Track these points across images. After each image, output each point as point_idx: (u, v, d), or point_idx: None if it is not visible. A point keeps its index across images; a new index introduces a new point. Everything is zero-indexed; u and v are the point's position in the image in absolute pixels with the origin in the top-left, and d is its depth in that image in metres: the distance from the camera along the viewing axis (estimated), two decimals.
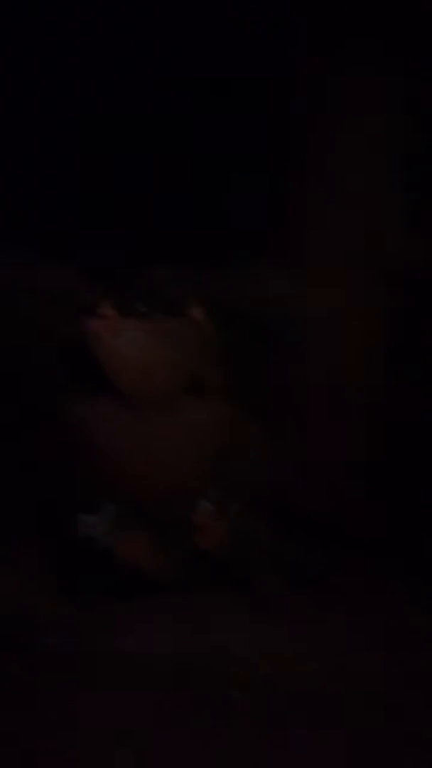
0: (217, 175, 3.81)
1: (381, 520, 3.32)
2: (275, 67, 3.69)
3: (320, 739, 2.01)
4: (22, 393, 3.12)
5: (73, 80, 3.63)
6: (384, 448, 3.53)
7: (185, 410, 3.03)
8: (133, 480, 2.83)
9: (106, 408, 2.96)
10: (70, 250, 3.39)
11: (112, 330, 2.90)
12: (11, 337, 3.37)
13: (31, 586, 2.64)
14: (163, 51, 3.68)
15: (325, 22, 3.51)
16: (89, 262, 3.32)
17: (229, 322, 3.54)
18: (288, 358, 3.90)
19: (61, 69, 3.62)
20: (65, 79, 3.63)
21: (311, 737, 2.02)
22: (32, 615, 2.49)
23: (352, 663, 2.40)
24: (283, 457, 3.54)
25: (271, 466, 3.33)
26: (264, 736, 2.03)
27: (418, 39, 3.41)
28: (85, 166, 3.61)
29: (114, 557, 2.66)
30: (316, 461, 3.61)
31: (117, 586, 2.63)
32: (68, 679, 2.27)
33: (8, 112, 3.58)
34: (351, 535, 3.25)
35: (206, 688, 2.24)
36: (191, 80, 3.69)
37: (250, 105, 3.72)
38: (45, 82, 3.63)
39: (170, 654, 2.40)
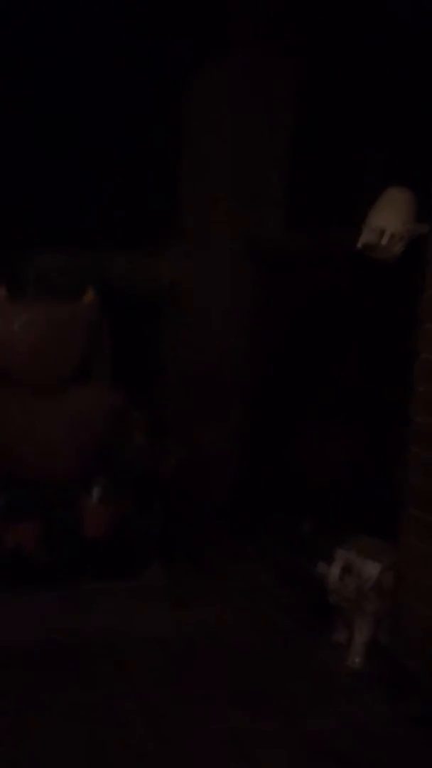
0: (107, 161, 3.78)
1: (256, 500, 3.51)
2: (164, 65, 3.71)
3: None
4: None
5: None
6: (259, 426, 3.70)
7: (73, 397, 3.02)
8: (22, 467, 2.79)
9: None
10: None
11: (2, 314, 2.82)
12: None
13: None
14: (56, 43, 3.57)
15: (207, 31, 3.55)
16: None
17: (117, 307, 3.54)
18: (168, 341, 3.97)
19: None
20: None
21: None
22: None
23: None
24: (166, 442, 3.63)
25: (156, 451, 3.41)
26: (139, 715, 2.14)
27: (310, 27, 3.52)
28: None
29: (1, 544, 2.63)
30: (198, 444, 3.73)
31: (3, 572, 2.62)
32: None
33: None
34: (231, 515, 3.43)
35: (82, 669, 2.30)
36: (83, 74, 3.63)
37: (137, 98, 3.72)
38: None
39: (46, 638, 2.44)
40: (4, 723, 2.04)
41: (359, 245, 2.54)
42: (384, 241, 2.47)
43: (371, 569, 2.36)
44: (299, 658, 2.45)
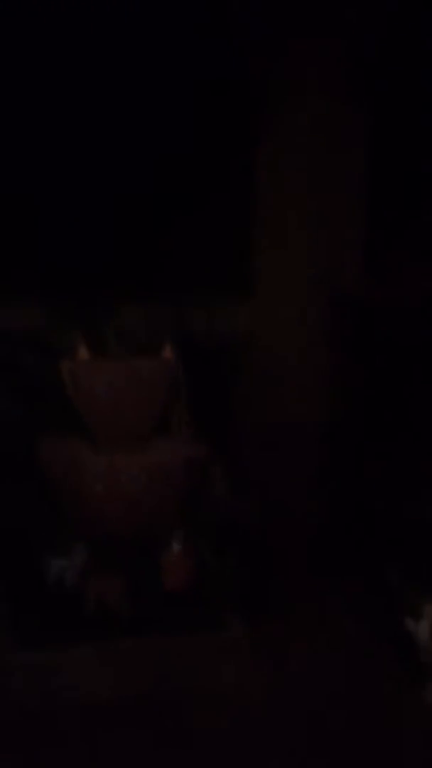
0: (183, 217, 3.89)
1: (340, 549, 3.43)
2: (236, 117, 3.81)
3: None
4: None
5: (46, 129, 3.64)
6: (341, 475, 3.63)
7: (154, 450, 3.07)
8: (104, 521, 2.84)
9: (77, 449, 2.98)
10: (44, 293, 3.40)
11: (87, 372, 2.92)
12: None
13: None
14: (125, 103, 3.75)
15: (282, 67, 3.62)
16: (63, 304, 3.34)
17: (196, 360, 3.60)
18: (247, 393, 3.98)
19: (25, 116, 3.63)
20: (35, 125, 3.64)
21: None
22: None
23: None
24: (246, 493, 3.62)
25: (237, 502, 3.40)
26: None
27: (381, 78, 3.55)
28: (57, 211, 3.63)
29: (84, 600, 2.67)
30: (276, 495, 3.70)
31: (86, 628, 2.65)
32: (31, 725, 2.30)
33: None
34: (315, 565, 3.36)
35: (162, 725, 2.28)
36: (156, 131, 3.77)
37: (212, 154, 3.83)
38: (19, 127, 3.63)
39: (127, 693, 2.44)
40: None
41: None
42: None
43: None
44: (390, 719, 2.36)
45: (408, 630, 2.38)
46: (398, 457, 3.33)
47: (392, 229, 3.62)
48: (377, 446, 3.45)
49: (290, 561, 3.37)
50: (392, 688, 2.50)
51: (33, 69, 3.56)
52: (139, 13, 3.58)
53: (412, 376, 3.20)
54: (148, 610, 2.73)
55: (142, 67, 3.72)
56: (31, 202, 3.66)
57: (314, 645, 2.79)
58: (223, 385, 3.74)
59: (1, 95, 3.58)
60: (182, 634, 2.70)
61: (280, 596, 3.10)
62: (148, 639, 2.65)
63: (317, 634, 2.88)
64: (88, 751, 2.18)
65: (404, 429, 3.30)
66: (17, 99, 3.59)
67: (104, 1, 3.52)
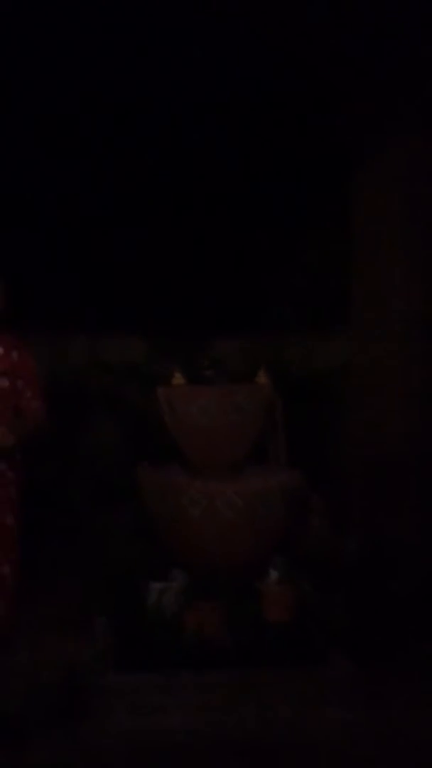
0: (280, 251, 3.94)
1: None
2: (334, 157, 3.85)
3: None
4: (95, 464, 3.18)
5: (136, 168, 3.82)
6: None
7: (250, 478, 3.04)
8: (201, 548, 2.82)
9: (173, 475, 2.99)
10: (142, 325, 3.52)
11: (183, 398, 2.95)
12: (84, 409, 3.46)
13: (94, 655, 2.61)
14: (222, 144, 3.88)
15: (383, 120, 3.64)
16: (160, 335, 3.43)
17: (291, 388, 3.57)
18: (345, 423, 3.90)
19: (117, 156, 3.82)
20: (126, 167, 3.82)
21: None
22: (90, 685, 2.46)
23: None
24: (347, 525, 3.50)
25: (337, 535, 3.30)
26: None
27: None
28: (155, 246, 3.77)
29: (182, 627, 2.63)
30: (382, 528, 3.56)
31: (184, 657, 2.60)
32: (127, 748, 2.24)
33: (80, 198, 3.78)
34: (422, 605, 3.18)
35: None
36: (253, 171, 3.87)
37: (309, 191, 3.88)
38: (104, 164, 3.83)
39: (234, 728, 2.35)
40: None
41: None
42: None
43: None
44: None
45: None
46: None
47: None
48: None
49: (398, 600, 3.20)
50: None
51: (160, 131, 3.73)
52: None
53: None
54: (248, 640, 2.65)
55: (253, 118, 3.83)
56: (131, 242, 3.82)
57: (417, 693, 2.61)
58: (323, 416, 3.69)
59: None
60: (283, 667, 2.61)
61: (384, 637, 2.94)
62: (247, 669, 2.58)
63: (421, 681, 2.70)
64: None
65: None
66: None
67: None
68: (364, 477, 3.73)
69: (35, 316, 3.65)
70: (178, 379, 3.05)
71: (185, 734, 2.34)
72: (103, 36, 3.54)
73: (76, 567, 3.20)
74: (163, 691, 2.50)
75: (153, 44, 3.63)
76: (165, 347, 3.44)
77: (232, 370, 3.22)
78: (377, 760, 2.24)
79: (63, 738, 2.30)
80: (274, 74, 3.76)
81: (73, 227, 3.91)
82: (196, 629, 2.63)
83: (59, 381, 3.51)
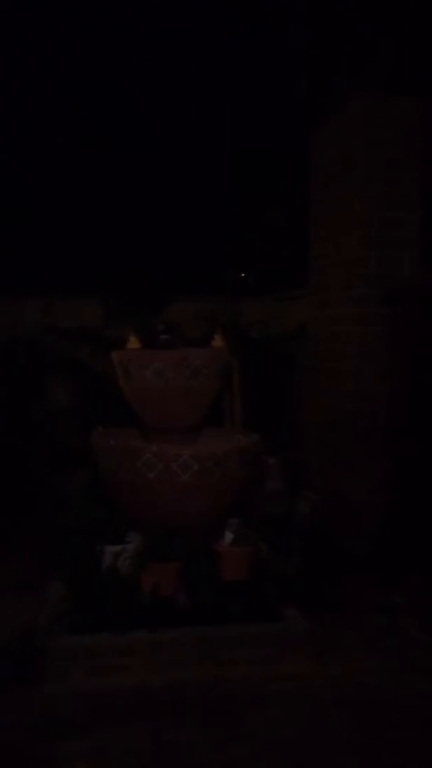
0: (237, 213, 3.91)
1: (403, 546, 3.32)
2: (293, 113, 3.81)
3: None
4: (48, 429, 3.16)
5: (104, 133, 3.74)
6: (404, 469, 3.52)
7: (207, 440, 3.06)
8: (158, 511, 2.84)
9: (129, 439, 2.99)
10: (96, 288, 3.47)
11: (138, 362, 2.93)
12: (38, 374, 3.42)
13: (50, 617, 2.63)
14: (179, 101, 3.81)
15: (334, 78, 3.58)
16: (115, 298, 3.39)
17: (248, 352, 3.57)
18: (302, 386, 3.93)
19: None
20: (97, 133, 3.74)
21: None
22: (46, 647, 2.49)
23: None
24: (302, 486, 3.55)
25: (292, 495, 3.35)
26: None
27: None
28: (111, 210, 3.71)
29: (138, 588, 2.66)
30: (338, 488, 3.62)
31: (140, 617, 2.63)
32: (89, 706, 2.29)
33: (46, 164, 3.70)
34: (376, 561, 3.26)
35: (218, 721, 2.23)
36: (212, 131, 3.82)
37: (266, 152, 3.84)
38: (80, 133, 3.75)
39: (191, 684, 2.41)
40: None
41: None
42: None
43: None
44: None
45: None
46: None
47: None
48: None
49: (350, 557, 3.28)
50: None
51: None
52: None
53: None
54: (204, 599, 2.69)
55: None
56: (84, 205, 3.75)
57: (373, 643, 2.69)
58: (279, 379, 3.70)
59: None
60: (239, 624, 2.66)
61: (338, 593, 3.02)
62: (204, 628, 2.62)
63: (376, 632, 2.78)
64: (149, 735, 2.16)
65: None
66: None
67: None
68: (318, 439, 3.78)
69: None
70: (133, 342, 3.03)
71: (143, 693, 2.38)
72: None
73: (33, 531, 3.20)
74: (120, 652, 2.53)
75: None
76: (120, 311, 3.41)
77: (188, 334, 3.21)
78: (332, 708, 2.30)
79: (20, 700, 2.32)
80: (232, 31, 3.69)
81: (29, 186, 3.82)
82: (152, 590, 2.66)
83: (13, 345, 3.47)
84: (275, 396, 3.68)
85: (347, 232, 3.64)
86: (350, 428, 3.60)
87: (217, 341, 3.12)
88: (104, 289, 3.51)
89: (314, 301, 3.85)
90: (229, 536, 2.83)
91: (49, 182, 3.76)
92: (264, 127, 4.04)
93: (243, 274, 4.10)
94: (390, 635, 2.77)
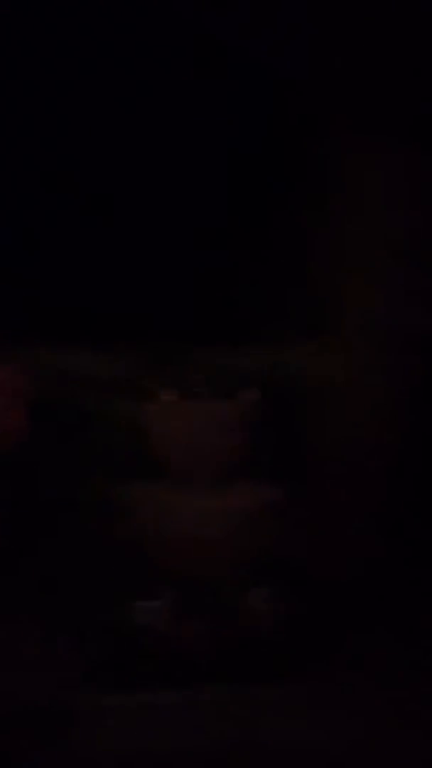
0: (258, 264, 3.94)
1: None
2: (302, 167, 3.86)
3: None
4: (79, 480, 3.17)
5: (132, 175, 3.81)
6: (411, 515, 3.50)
7: (237, 495, 3.05)
8: (187, 565, 2.82)
9: (159, 492, 2.99)
10: (127, 338, 3.50)
11: (169, 413, 2.95)
12: (69, 424, 3.43)
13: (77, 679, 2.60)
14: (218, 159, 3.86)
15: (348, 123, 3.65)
16: (145, 348, 3.42)
17: (281, 402, 3.58)
18: (322, 435, 3.92)
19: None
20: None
21: None
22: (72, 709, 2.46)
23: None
24: (326, 537, 3.52)
25: (318, 549, 3.32)
26: None
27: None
28: (142, 258, 3.75)
29: (169, 645, 2.64)
30: (357, 540, 3.59)
31: (171, 675, 2.60)
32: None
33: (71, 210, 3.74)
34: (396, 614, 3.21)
35: None
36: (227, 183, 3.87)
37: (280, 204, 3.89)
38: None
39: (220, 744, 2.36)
40: None
41: None
42: None
43: None
44: None
45: None
46: None
47: None
48: None
49: (375, 612, 3.23)
50: None
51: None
52: None
53: None
54: (238, 658, 2.66)
55: None
56: (116, 254, 3.79)
57: (396, 703, 2.63)
58: (302, 429, 3.70)
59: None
60: (263, 682, 2.62)
61: (365, 649, 2.96)
62: (239, 685, 2.58)
63: (400, 691, 2.72)
64: None
65: None
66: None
67: None
68: (334, 488, 3.75)
69: (24, 328, 3.62)
70: (165, 394, 3.06)
71: (174, 754, 2.33)
72: None
73: (59, 585, 3.18)
74: (151, 710, 2.49)
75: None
76: (152, 360, 3.44)
77: (220, 385, 3.22)
78: None
79: (49, 762, 2.29)
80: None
81: (61, 233, 3.88)
82: (182, 647, 2.64)
83: (47, 394, 3.49)
84: (301, 447, 3.68)
85: (361, 284, 3.69)
86: (357, 477, 3.59)
87: (249, 393, 3.14)
88: (137, 338, 3.55)
89: (333, 349, 3.87)
90: (260, 592, 2.81)
91: (87, 237, 3.82)
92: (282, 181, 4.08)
93: (274, 324, 4.13)
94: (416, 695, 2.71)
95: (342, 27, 3.36)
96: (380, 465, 3.60)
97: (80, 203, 3.79)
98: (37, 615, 2.96)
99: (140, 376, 3.19)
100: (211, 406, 3.01)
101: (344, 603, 3.04)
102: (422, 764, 2.29)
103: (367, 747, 2.38)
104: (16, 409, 2.41)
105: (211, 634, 2.67)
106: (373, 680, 2.76)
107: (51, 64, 3.62)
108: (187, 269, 3.99)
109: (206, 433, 2.91)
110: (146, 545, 2.90)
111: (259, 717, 2.50)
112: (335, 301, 3.90)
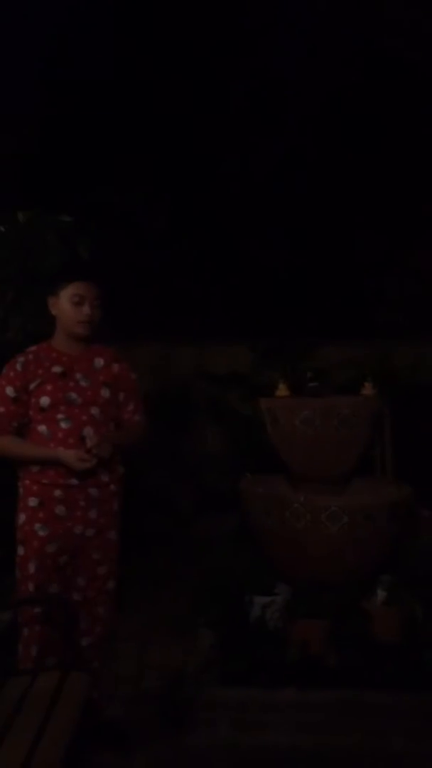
0: (386, 255, 3.82)
1: None
2: None
3: None
4: (198, 472, 3.19)
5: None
6: None
7: (357, 492, 2.96)
8: (305, 564, 2.77)
9: (278, 489, 2.96)
10: (247, 333, 3.50)
11: (287, 410, 2.91)
12: (191, 419, 3.48)
13: (198, 667, 2.61)
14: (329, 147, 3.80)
15: None
16: (262, 344, 3.39)
17: (400, 398, 3.43)
18: None
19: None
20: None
21: None
22: (194, 696, 2.46)
23: None
24: None
25: None
26: None
27: None
28: (261, 260, 3.75)
29: (287, 643, 2.60)
30: None
31: (288, 673, 2.56)
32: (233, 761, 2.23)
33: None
34: None
35: None
36: (361, 172, 3.78)
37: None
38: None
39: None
40: None
41: None
42: None
43: None
44: None
45: None
46: None
47: None
48: None
49: None
50: None
51: None
52: None
53: None
54: (354, 661, 2.58)
55: None
56: (236, 251, 3.82)
57: None
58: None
59: None
60: (390, 690, 2.52)
61: None
62: (353, 691, 2.50)
63: None
64: None
65: None
66: None
67: None
68: None
69: (142, 326, 3.72)
70: (282, 390, 3.02)
71: (287, 752, 2.30)
72: None
73: (179, 576, 3.23)
74: (266, 707, 2.47)
75: None
76: (268, 356, 3.41)
77: (337, 380, 3.14)
78: None
79: (165, 747, 2.32)
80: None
81: (179, 236, 3.95)
82: (300, 646, 2.59)
83: (165, 390, 3.55)
84: (430, 445, 3.51)
85: None
86: None
87: (367, 388, 3.03)
88: (253, 333, 3.53)
89: None
90: (381, 595, 2.70)
91: (204, 236, 3.88)
92: (415, 165, 3.94)
93: (392, 316, 3.99)
94: None
95: None
96: None
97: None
98: (157, 600, 3.02)
99: (257, 372, 3.17)
100: (328, 401, 2.94)
101: None
102: None
103: None
104: (135, 404, 2.45)
105: (328, 635, 2.60)
106: None
107: None
108: (306, 262, 3.95)
109: (322, 428, 2.84)
110: (262, 539, 2.87)
111: (380, 727, 2.41)
112: None
